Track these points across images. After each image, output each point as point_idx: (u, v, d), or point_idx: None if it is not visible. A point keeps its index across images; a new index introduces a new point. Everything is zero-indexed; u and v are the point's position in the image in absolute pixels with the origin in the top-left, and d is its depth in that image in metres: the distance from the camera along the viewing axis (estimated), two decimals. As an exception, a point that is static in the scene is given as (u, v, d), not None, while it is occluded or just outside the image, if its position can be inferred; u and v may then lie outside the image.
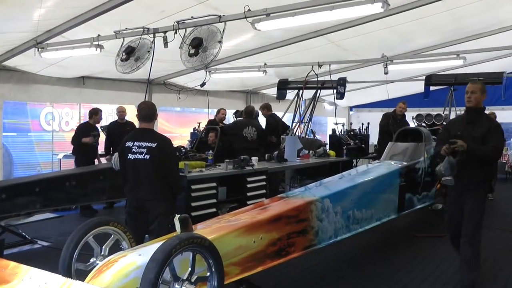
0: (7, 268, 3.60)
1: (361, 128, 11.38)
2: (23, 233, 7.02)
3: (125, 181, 5.15)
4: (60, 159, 10.98)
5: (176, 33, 6.23)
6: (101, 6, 6.26)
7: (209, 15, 5.95)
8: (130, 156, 4.99)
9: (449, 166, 4.96)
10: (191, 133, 11.12)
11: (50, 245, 6.96)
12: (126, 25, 6.60)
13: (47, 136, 12.69)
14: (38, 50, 7.44)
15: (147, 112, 5.14)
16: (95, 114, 9.47)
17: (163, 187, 5.00)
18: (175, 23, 6.16)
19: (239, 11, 5.69)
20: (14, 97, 9.55)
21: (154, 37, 6.46)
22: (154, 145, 4.94)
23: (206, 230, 3.94)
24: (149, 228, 4.95)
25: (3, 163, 9.52)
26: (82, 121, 11.19)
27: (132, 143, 5.02)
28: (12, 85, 9.12)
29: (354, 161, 10.83)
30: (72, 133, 9.66)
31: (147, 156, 4.92)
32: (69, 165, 10.68)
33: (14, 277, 3.47)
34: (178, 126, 15.74)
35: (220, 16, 5.88)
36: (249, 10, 5.59)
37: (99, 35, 6.89)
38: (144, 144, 4.96)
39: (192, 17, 6.10)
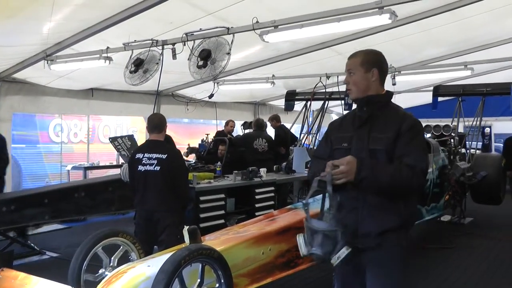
0: (17, 279, 3.63)
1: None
2: (32, 244, 7.04)
3: (134, 192, 5.19)
4: (68, 170, 11.02)
5: (184, 45, 6.28)
6: (109, 19, 6.30)
7: (218, 27, 5.99)
8: (141, 167, 5.04)
9: (329, 216, 2.71)
10: (199, 144, 11.14)
11: (59, 256, 6.96)
12: (134, 37, 6.65)
13: (56, 147, 12.75)
14: (47, 63, 7.50)
15: (157, 123, 5.21)
16: None
17: (172, 198, 5.02)
18: (184, 35, 6.20)
19: (247, 23, 5.73)
20: (23, 109, 9.62)
21: (162, 49, 6.50)
22: (164, 156, 4.98)
23: (215, 241, 3.94)
24: (158, 239, 4.97)
25: (12, 175, 9.55)
26: (91, 133, 11.25)
27: (142, 154, 5.08)
28: (21, 97, 9.19)
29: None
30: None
31: (157, 168, 4.96)
32: (78, 176, 10.73)
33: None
34: (186, 138, 15.78)
35: (228, 28, 5.91)
36: (257, 22, 5.63)
37: (108, 47, 6.96)
38: (155, 155, 5.00)
39: (200, 29, 6.13)
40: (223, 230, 4.60)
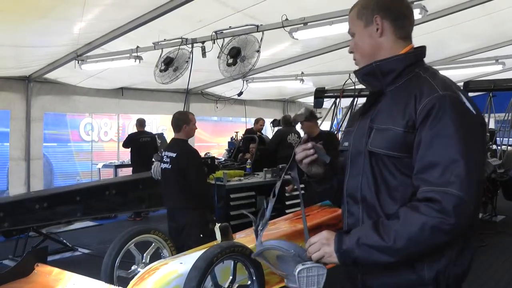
0: (51, 274, 3.69)
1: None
2: (64, 241, 7.14)
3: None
4: (99, 168, 11.16)
5: (214, 43, 6.28)
6: (139, 18, 6.34)
7: (247, 25, 5.99)
8: (162, 165, 5.18)
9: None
10: (229, 142, 11.15)
11: (90, 252, 7.07)
12: (164, 35, 6.67)
13: (87, 146, 12.95)
14: (78, 63, 7.60)
15: (174, 122, 5.24)
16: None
17: (189, 196, 4.97)
18: (213, 33, 6.21)
19: (276, 20, 5.70)
20: (54, 108, 9.81)
21: (192, 47, 6.51)
22: (174, 155, 5.04)
23: (246, 238, 3.94)
24: (180, 237, 4.96)
25: (44, 173, 9.73)
26: (121, 132, 11.40)
27: (164, 153, 5.21)
28: (52, 96, 9.36)
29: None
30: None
31: (170, 166, 5.04)
32: (109, 174, 10.87)
33: (58, 283, 3.56)
34: (215, 136, 15.85)
35: (258, 26, 5.90)
36: (286, 19, 5.60)
37: (138, 47, 7.01)
38: (169, 154, 5.10)
39: (230, 26, 6.13)
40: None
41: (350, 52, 1.96)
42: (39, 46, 7.15)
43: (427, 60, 1.92)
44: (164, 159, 5.12)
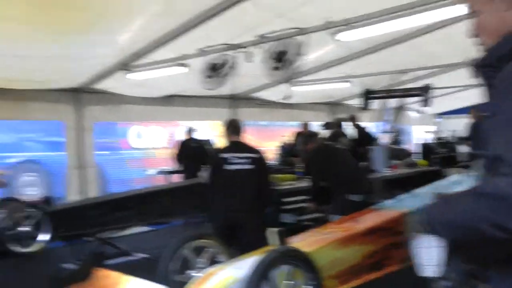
0: (110, 277, 3.79)
1: (449, 136, 11.00)
2: (120, 246, 7.28)
3: (215, 193, 5.28)
4: (151, 175, 11.32)
5: (258, 47, 6.31)
6: (182, 26, 6.43)
7: (291, 28, 5.98)
8: (229, 167, 5.15)
9: None
10: (281, 146, 11.16)
11: (146, 257, 7.14)
12: (207, 42, 6.72)
13: (138, 153, 13.21)
14: (125, 73, 7.80)
15: (233, 126, 5.42)
16: None
17: (258, 198, 5.10)
18: (257, 38, 6.23)
19: (319, 22, 5.67)
20: (104, 117, 10.05)
21: (236, 52, 6.56)
22: (254, 155, 5.18)
23: (301, 243, 3.93)
24: (243, 241, 4.99)
25: (98, 180, 10.00)
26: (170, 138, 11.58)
27: (229, 155, 5.20)
28: (102, 106, 9.62)
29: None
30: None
31: (251, 166, 5.11)
32: (160, 180, 11.03)
33: (117, 286, 3.65)
34: (263, 140, 15.85)
35: (301, 29, 5.89)
36: (329, 21, 5.57)
37: (183, 54, 7.09)
38: (245, 155, 5.17)
39: (274, 31, 6.15)
40: (309, 232, 4.59)
41: (473, 36, 1.59)
42: (86, 58, 7.33)
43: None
44: (234, 160, 5.14)
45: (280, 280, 3.30)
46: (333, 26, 5.66)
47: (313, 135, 6.72)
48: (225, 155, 5.21)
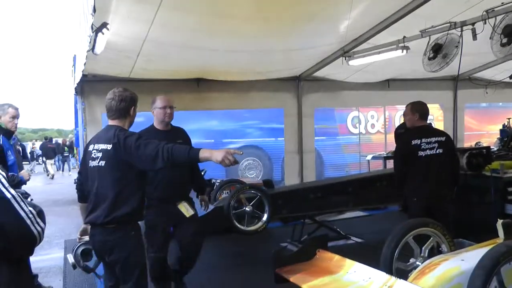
0: (333, 260, 3.90)
1: None
2: (338, 229, 7.45)
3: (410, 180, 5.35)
4: (368, 160, 11.36)
5: (485, 23, 5.86)
6: (404, 8, 6.26)
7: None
8: (421, 153, 5.20)
9: None
10: (500, 130, 10.32)
11: (363, 241, 7.20)
12: (431, 22, 6.46)
13: (354, 138, 13.35)
14: (345, 59, 7.87)
15: (424, 110, 5.48)
16: None
17: (447, 181, 5.21)
18: (484, 13, 5.79)
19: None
20: (323, 104, 10.43)
21: (461, 30, 6.17)
22: (443, 139, 5.22)
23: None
24: None
25: (315, 165, 10.35)
26: (387, 123, 11.43)
27: (420, 140, 5.24)
28: (321, 93, 9.94)
29: None
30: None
31: (440, 150, 5.16)
32: (377, 166, 11.00)
33: (340, 269, 3.73)
34: (485, 123, 14.80)
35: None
36: None
37: (404, 37, 6.92)
38: (434, 139, 5.21)
39: (502, 3, 5.64)
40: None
41: None
42: (307, 48, 7.62)
43: None
44: (423, 146, 5.19)
45: (511, 278, 3.04)
46: None
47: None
48: (415, 141, 5.24)
